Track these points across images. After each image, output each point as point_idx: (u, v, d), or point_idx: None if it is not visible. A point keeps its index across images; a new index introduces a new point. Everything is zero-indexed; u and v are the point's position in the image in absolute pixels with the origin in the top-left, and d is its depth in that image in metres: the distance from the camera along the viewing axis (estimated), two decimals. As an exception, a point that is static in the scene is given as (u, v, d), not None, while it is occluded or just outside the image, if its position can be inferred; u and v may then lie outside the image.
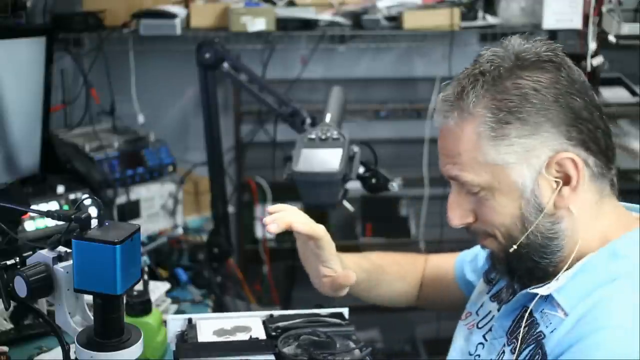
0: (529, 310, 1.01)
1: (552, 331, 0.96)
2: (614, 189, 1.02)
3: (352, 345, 1.02)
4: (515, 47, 0.99)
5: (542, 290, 0.99)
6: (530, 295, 1.02)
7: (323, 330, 1.04)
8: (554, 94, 0.95)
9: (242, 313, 1.14)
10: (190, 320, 1.09)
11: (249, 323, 1.09)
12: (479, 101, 0.97)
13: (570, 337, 0.92)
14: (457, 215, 1.05)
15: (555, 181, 0.97)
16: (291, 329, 1.05)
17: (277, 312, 1.12)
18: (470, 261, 1.35)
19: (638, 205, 1.07)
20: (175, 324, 1.09)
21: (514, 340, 1.03)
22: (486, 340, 1.13)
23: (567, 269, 0.99)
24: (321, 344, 1.00)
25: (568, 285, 0.98)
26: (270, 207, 1.14)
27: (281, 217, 1.11)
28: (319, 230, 1.15)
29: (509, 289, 1.14)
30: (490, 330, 1.14)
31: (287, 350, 0.99)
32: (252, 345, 1.00)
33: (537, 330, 0.99)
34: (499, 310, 1.14)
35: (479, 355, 1.13)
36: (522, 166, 0.97)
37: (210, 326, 1.07)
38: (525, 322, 1.02)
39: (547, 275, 1.01)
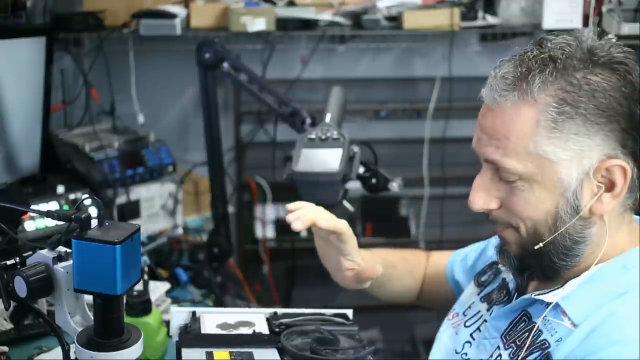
0: (527, 315, 1.00)
1: (557, 340, 0.94)
2: (635, 202, 1.00)
3: (354, 343, 1.02)
4: (588, 41, 0.94)
5: (548, 297, 0.98)
6: (531, 300, 1.00)
7: (327, 328, 1.04)
8: (619, 98, 0.92)
9: (246, 309, 1.15)
10: (194, 313, 1.09)
11: (253, 319, 1.09)
12: (545, 87, 0.92)
13: (582, 350, 0.91)
14: (481, 199, 1.00)
15: (597, 186, 0.94)
16: (295, 326, 1.05)
17: (281, 310, 1.12)
18: (461, 260, 1.35)
19: None
20: (180, 316, 1.09)
21: (512, 344, 1.01)
22: (474, 339, 1.12)
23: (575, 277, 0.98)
24: (324, 341, 1.00)
25: (576, 294, 0.96)
26: (290, 205, 1.14)
27: (304, 214, 1.12)
28: (342, 224, 1.16)
29: (501, 290, 1.13)
30: (478, 329, 1.12)
31: (290, 345, 0.99)
32: (256, 339, 1.00)
33: (541, 338, 0.97)
34: (488, 310, 1.13)
35: (465, 354, 1.12)
36: (571, 165, 0.93)
37: (214, 320, 1.07)
38: (526, 328, 1.00)
39: (557, 276, 0.99)
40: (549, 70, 0.92)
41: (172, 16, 2.27)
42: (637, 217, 1.04)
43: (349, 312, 1.13)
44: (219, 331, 1.04)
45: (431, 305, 1.47)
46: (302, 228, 1.10)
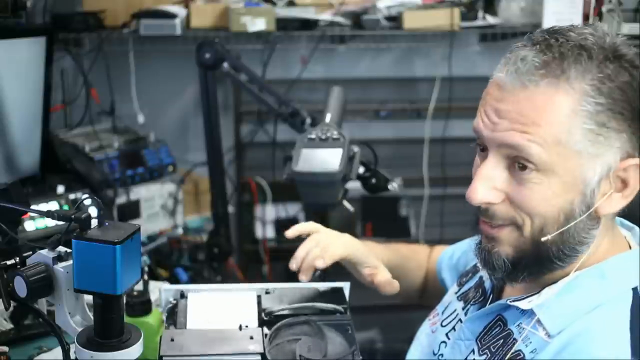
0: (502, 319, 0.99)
1: (532, 351, 0.92)
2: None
3: (344, 344, 0.98)
4: (612, 35, 0.90)
5: (523, 304, 0.95)
6: (506, 304, 0.98)
7: (317, 320, 1.01)
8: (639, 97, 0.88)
9: (237, 286, 1.10)
10: (182, 293, 1.07)
11: (243, 300, 1.06)
12: (583, 76, 0.86)
13: None
14: (485, 190, 0.92)
15: (610, 185, 0.90)
16: (284, 317, 1.02)
17: (272, 286, 1.08)
18: (448, 258, 1.34)
19: (628, 222, 1.02)
20: (168, 294, 1.07)
21: (487, 350, 0.99)
22: (449, 338, 1.11)
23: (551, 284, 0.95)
24: (312, 343, 0.97)
25: (552, 303, 0.93)
26: (289, 234, 1.18)
27: (305, 265, 1.14)
28: (340, 252, 1.17)
29: (477, 289, 1.11)
30: (454, 328, 1.11)
31: (274, 353, 0.96)
32: (239, 344, 0.97)
33: (516, 348, 0.94)
34: (463, 309, 1.12)
35: (442, 355, 1.10)
36: (596, 160, 0.88)
37: (202, 305, 1.04)
38: (500, 334, 0.98)
39: (544, 278, 0.96)
40: (584, 58, 0.87)
41: (172, 16, 2.27)
42: (625, 221, 1.02)
43: (346, 286, 1.11)
44: (204, 324, 1.01)
45: (430, 302, 1.46)
46: (306, 279, 1.13)
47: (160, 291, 1.08)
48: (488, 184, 0.92)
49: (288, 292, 1.09)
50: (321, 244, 1.16)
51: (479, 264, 1.01)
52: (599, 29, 0.91)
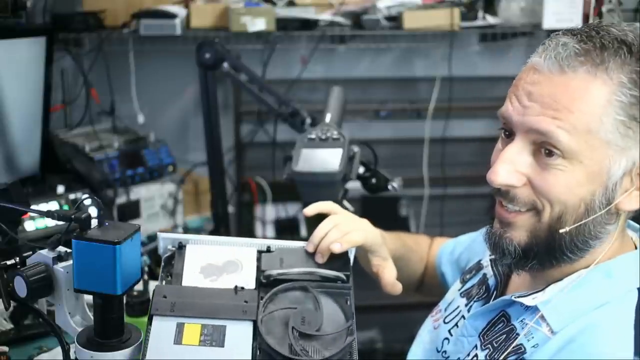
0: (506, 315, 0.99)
1: (534, 346, 0.93)
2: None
3: (341, 317, 0.94)
4: None
5: (528, 301, 0.95)
6: (511, 300, 0.99)
7: (316, 287, 0.97)
8: None
9: (238, 240, 1.05)
10: (180, 244, 1.02)
11: (243, 257, 1.01)
12: (622, 67, 0.87)
13: None
14: (507, 172, 0.92)
15: (632, 181, 0.90)
16: (282, 282, 0.98)
17: (275, 243, 1.04)
18: (449, 253, 1.34)
19: (634, 224, 1.02)
20: (166, 242, 1.02)
21: (489, 345, 1.00)
22: (451, 335, 1.11)
23: (557, 281, 0.95)
24: (307, 314, 0.93)
25: (557, 300, 0.94)
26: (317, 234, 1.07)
27: (323, 247, 1.05)
28: (358, 239, 1.09)
29: (480, 286, 1.12)
30: (456, 325, 1.11)
31: (267, 320, 0.92)
32: (233, 308, 0.93)
33: (517, 342, 0.94)
34: (466, 305, 1.12)
35: (445, 352, 1.10)
36: (622, 154, 0.88)
37: (200, 257, 1.00)
38: (503, 329, 0.99)
39: (548, 270, 0.96)
40: (624, 51, 0.87)
41: (172, 16, 2.27)
42: (634, 224, 1.02)
43: (351, 250, 1.07)
44: (200, 278, 0.97)
45: (428, 294, 1.44)
46: (322, 261, 1.04)
47: (158, 237, 1.03)
48: (510, 167, 0.92)
49: (289, 252, 1.04)
50: (341, 228, 1.09)
51: (488, 249, 1.01)
52: (639, 28, 0.91)
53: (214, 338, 0.88)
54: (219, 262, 1.00)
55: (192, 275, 0.98)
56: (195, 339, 0.87)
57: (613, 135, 0.87)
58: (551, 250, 0.93)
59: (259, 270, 1.00)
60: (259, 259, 1.01)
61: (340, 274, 1.00)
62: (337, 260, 1.04)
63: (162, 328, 0.88)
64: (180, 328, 0.88)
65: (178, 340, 0.87)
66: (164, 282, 0.98)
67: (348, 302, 0.96)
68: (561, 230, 0.91)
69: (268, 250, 1.04)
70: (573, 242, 0.92)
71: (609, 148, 0.88)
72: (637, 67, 0.87)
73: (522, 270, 0.98)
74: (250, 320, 0.91)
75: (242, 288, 0.96)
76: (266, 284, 0.97)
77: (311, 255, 1.04)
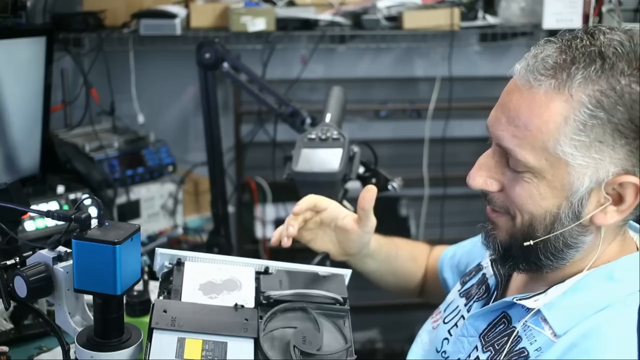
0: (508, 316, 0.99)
1: (537, 349, 0.92)
2: (636, 215, 0.95)
3: (339, 340, 0.95)
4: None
5: (529, 303, 0.95)
6: (512, 302, 0.99)
7: (314, 309, 0.98)
8: None
9: (235, 259, 1.06)
10: (179, 261, 1.02)
11: (241, 276, 1.02)
12: (585, 85, 0.85)
13: None
14: (482, 178, 0.95)
15: (605, 197, 0.89)
16: (281, 302, 0.99)
17: (273, 265, 1.05)
18: (450, 258, 1.34)
19: (635, 224, 1.02)
20: (164, 258, 1.02)
21: (491, 347, 0.99)
22: (451, 335, 1.11)
23: (558, 283, 0.96)
24: (305, 339, 0.93)
25: (559, 303, 0.94)
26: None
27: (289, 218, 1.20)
28: (313, 198, 1.23)
29: (480, 286, 1.12)
30: (456, 325, 1.11)
31: (268, 340, 0.92)
32: (234, 325, 0.94)
33: (520, 346, 0.94)
34: (466, 305, 1.12)
35: (445, 352, 1.10)
36: (586, 172, 0.87)
37: (199, 275, 1.01)
38: (505, 331, 0.99)
39: (539, 273, 0.97)
40: (595, 67, 0.85)
41: (172, 16, 2.27)
42: (635, 224, 1.02)
43: (347, 273, 1.08)
44: (199, 296, 0.97)
45: (431, 300, 1.45)
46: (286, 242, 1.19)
47: (156, 253, 1.02)
48: (485, 173, 0.96)
49: (288, 273, 1.06)
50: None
51: (482, 243, 1.03)
52: (636, 36, 0.88)
53: (216, 354, 0.88)
54: (219, 280, 1.01)
55: (192, 291, 0.98)
56: (197, 354, 0.87)
57: (572, 156, 0.87)
58: (527, 255, 0.95)
59: (258, 290, 1.00)
60: (257, 279, 1.02)
61: (339, 297, 1.01)
62: (334, 282, 1.06)
63: (163, 342, 0.88)
64: (181, 343, 0.88)
65: (180, 354, 0.87)
66: (162, 298, 0.98)
67: (346, 324, 0.98)
68: (532, 241, 0.93)
69: (266, 270, 1.05)
70: (547, 250, 0.93)
71: (567, 166, 0.88)
72: (605, 85, 0.85)
73: (504, 268, 1.01)
74: (252, 338, 0.92)
75: (242, 306, 0.96)
76: (266, 304, 0.98)
77: (310, 278, 1.05)
